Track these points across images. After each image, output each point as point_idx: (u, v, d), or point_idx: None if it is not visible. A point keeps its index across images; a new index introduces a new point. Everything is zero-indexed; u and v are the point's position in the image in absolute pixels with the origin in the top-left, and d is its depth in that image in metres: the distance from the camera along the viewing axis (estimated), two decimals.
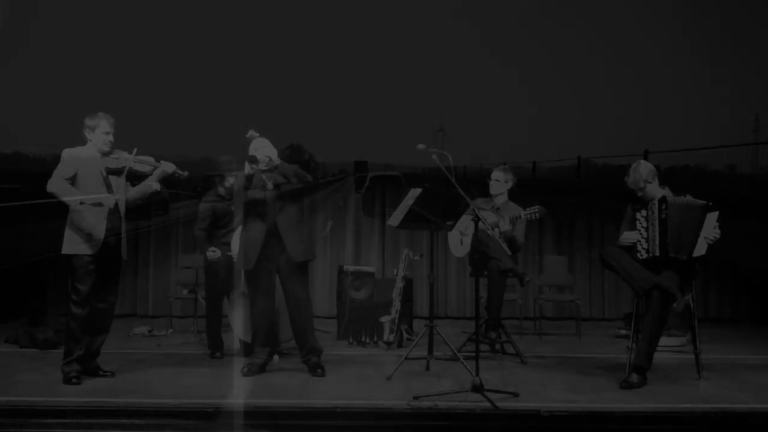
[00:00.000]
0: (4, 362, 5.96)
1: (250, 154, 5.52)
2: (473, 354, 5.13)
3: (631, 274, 5.41)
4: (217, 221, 6.33)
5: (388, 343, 6.71)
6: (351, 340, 6.94)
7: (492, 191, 6.55)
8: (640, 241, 5.48)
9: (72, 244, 5.26)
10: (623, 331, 7.14)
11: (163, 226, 8.21)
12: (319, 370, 5.57)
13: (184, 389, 5.12)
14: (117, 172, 5.38)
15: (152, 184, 5.45)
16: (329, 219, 7.97)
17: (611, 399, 4.96)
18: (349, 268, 7.41)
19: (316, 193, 8.23)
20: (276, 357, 5.96)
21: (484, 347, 6.12)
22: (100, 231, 5.26)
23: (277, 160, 5.54)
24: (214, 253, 6.22)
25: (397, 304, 6.82)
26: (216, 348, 6.32)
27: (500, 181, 6.54)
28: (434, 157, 5.36)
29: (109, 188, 5.34)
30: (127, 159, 5.40)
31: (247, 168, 5.45)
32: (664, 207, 5.42)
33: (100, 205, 5.23)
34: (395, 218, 5.74)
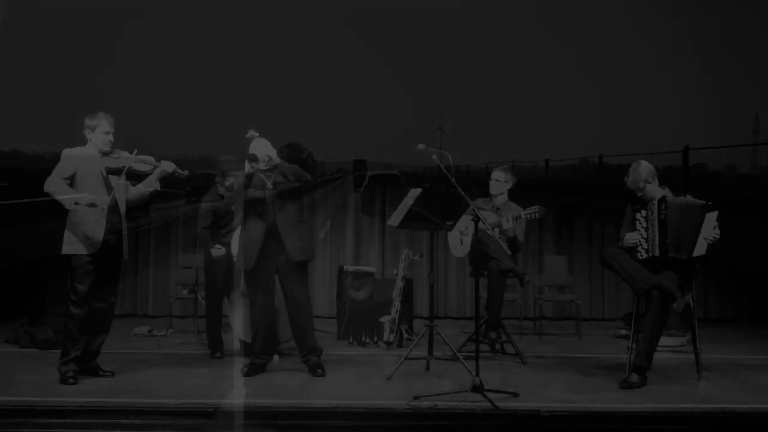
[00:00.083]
0: (4, 362, 5.96)
1: (249, 152, 5.52)
2: (473, 354, 5.13)
3: (631, 274, 5.41)
4: (217, 221, 6.33)
5: (388, 343, 6.71)
6: (351, 340, 6.94)
7: (492, 191, 6.55)
8: (639, 241, 5.48)
9: (71, 244, 5.26)
10: (623, 331, 7.14)
11: (163, 225, 8.21)
12: (319, 370, 5.57)
13: (184, 389, 5.12)
14: (117, 171, 5.38)
15: (152, 184, 5.45)
16: (327, 221, 7.95)
17: (611, 399, 4.96)
18: (349, 268, 7.41)
19: (315, 192, 8.23)
20: (276, 357, 5.96)
21: (484, 347, 6.12)
22: (98, 231, 5.25)
23: (276, 159, 5.53)
24: (219, 250, 6.20)
25: (397, 304, 6.82)
26: (216, 348, 6.31)
27: (500, 181, 6.54)
28: (434, 157, 5.35)
29: (109, 188, 5.34)
30: (127, 159, 5.40)
31: (247, 167, 5.45)
32: (663, 207, 5.42)
33: (94, 205, 5.22)
34: (395, 218, 5.74)
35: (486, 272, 6.23)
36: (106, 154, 5.36)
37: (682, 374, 5.66)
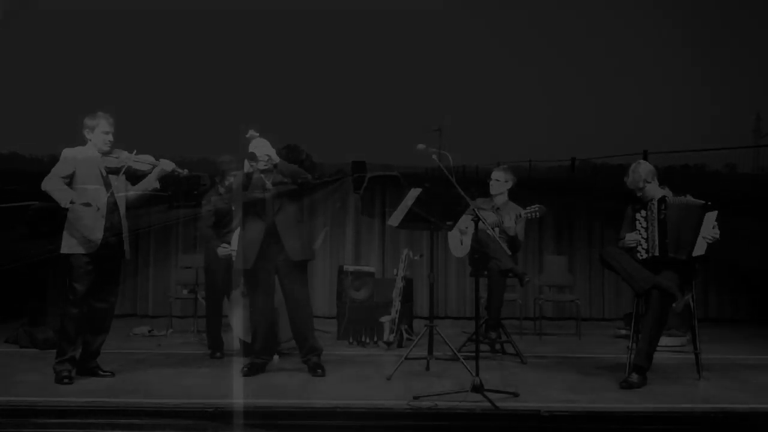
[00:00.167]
0: (4, 362, 5.96)
1: (249, 152, 5.52)
2: (473, 354, 5.13)
3: (631, 274, 5.41)
4: (218, 220, 6.32)
5: (388, 343, 6.71)
6: (351, 340, 6.94)
7: (492, 191, 6.55)
8: (639, 241, 5.48)
9: (69, 245, 5.26)
10: (623, 331, 7.14)
11: (163, 225, 8.21)
12: (319, 370, 5.57)
13: (184, 389, 5.12)
14: (116, 171, 5.38)
15: (152, 183, 5.46)
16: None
17: (611, 399, 4.96)
18: (349, 268, 7.41)
19: (315, 193, 8.22)
20: (276, 357, 5.96)
21: (484, 347, 6.12)
22: (97, 231, 5.25)
23: (276, 159, 5.53)
24: (226, 249, 6.18)
25: (397, 304, 6.82)
26: (216, 348, 6.31)
27: (500, 181, 6.54)
28: (434, 157, 5.35)
29: (109, 188, 5.35)
30: (126, 158, 5.40)
31: (247, 166, 5.45)
32: (663, 207, 5.42)
33: (89, 205, 5.22)
34: (395, 218, 5.74)
35: (486, 272, 6.23)
36: (105, 153, 5.37)
37: (682, 374, 5.66)
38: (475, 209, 5.22)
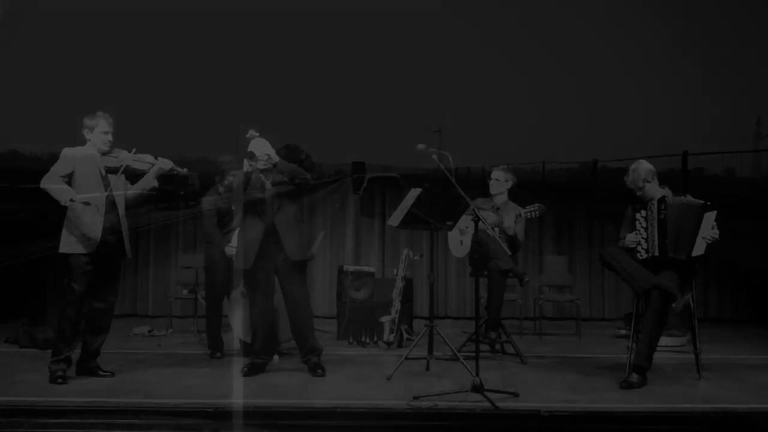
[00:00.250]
0: (4, 362, 5.96)
1: (248, 151, 5.52)
2: (473, 354, 5.13)
3: (631, 274, 5.41)
4: (219, 220, 6.32)
5: (388, 343, 6.71)
6: (351, 340, 6.94)
7: (492, 191, 6.55)
8: (639, 241, 5.48)
9: (68, 244, 5.26)
10: (623, 331, 7.14)
11: (163, 225, 8.20)
12: (319, 370, 5.57)
13: (184, 389, 5.12)
14: (115, 170, 5.38)
15: (150, 181, 5.46)
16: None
17: (611, 399, 4.96)
18: (349, 268, 7.41)
19: (314, 193, 8.22)
20: (276, 357, 5.96)
21: (484, 347, 6.12)
22: (96, 230, 5.25)
23: (275, 158, 5.53)
24: (232, 249, 6.16)
25: (397, 304, 6.82)
26: (216, 348, 6.31)
27: (500, 181, 6.54)
28: (434, 157, 5.35)
29: (108, 187, 5.35)
30: (125, 158, 5.41)
31: (246, 165, 5.46)
32: (663, 207, 5.42)
33: (88, 203, 5.21)
34: (395, 218, 5.75)
35: (486, 272, 6.23)
36: (105, 153, 5.37)
37: (682, 374, 5.66)
38: (475, 209, 5.22)
